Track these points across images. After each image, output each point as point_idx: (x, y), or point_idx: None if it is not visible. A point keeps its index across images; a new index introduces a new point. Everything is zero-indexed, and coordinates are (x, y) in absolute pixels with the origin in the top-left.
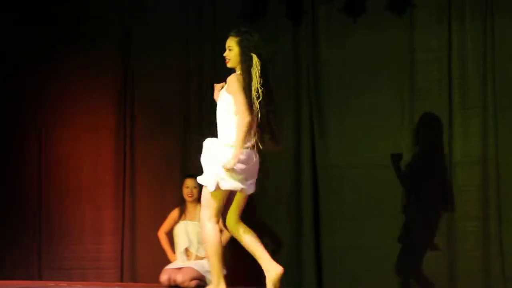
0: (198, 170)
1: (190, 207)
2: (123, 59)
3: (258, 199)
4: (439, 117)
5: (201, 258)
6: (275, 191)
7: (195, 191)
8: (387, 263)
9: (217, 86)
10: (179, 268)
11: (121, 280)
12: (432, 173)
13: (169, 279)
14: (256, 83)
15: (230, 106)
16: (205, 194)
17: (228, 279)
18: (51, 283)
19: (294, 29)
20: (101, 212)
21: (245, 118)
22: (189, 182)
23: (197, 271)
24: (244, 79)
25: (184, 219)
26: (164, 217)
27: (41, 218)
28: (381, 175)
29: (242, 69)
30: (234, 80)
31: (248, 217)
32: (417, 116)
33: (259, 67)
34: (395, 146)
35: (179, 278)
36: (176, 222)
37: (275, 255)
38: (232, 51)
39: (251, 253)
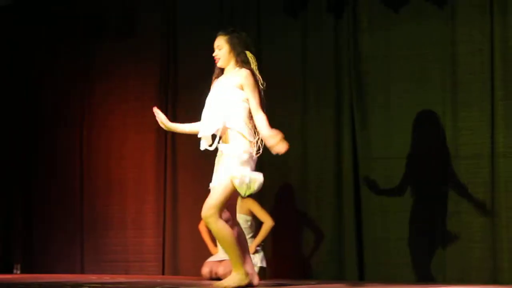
0: None
1: None
2: (163, 52)
3: (299, 191)
4: (481, 109)
5: None
6: (316, 183)
7: None
8: (429, 255)
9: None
10: (221, 261)
11: (163, 273)
12: (475, 164)
13: (210, 272)
14: (259, 79)
15: (239, 98)
16: (219, 192)
17: (268, 271)
18: (94, 276)
19: (335, 21)
20: (143, 205)
21: (263, 113)
22: None
23: None
24: (255, 75)
25: None
26: None
27: (83, 211)
28: (423, 167)
29: (242, 64)
30: (248, 75)
31: (289, 209)
32: (459, 108)
33: (256, 63)
34: (437, 138)
35: (221, 270)
36: None
37: (317, 247)
38: (221, 50)
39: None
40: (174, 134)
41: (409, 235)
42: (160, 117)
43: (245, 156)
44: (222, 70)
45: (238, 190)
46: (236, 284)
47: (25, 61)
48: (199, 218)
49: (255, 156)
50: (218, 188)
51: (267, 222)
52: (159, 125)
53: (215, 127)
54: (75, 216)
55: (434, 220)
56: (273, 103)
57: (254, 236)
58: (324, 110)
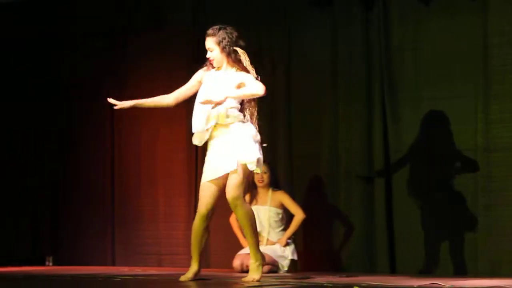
0: (268, 156)
1: (261, 192)
2: (193, 45)
3: (329, 184)
4: None
5: (273, 243)
6: (347, 176)
7: (265, 176)
8: (461, 248)
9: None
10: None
11: None
12: (507, 157)
13: (241, 264)
14: (253, 74)
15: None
16: (240, 173)
17: (299, 264)
18: (126, 269)
19: (365, 14)
20: (174, 198)
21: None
22: None
23: (269, 256)
24: (249, 70)
25: (256, 204)
26: None
27: (114, 204)
28: (453, 160)
29: (236, 63)
30: (245, 73)
31: (319, 202)
32: (491, 101)
33: (247, 58)
34: (468, 131)
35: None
36: None
37: (348, 240)
38: (213, 52)
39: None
40: None
41: (440, 228)
42: (119, 105)
43: (258, 137)
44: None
45: (256, 170)
46: (261, 273)
47: (55, 57)
48: (229, 211)
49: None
50: (239, 170)
51: (298, 215)
52: (189, 118)
53: (210, 123)
54: (107, 208)
55: (465, 213)
56: (304, 98)
57: (284, 229)
58: (354, 104)
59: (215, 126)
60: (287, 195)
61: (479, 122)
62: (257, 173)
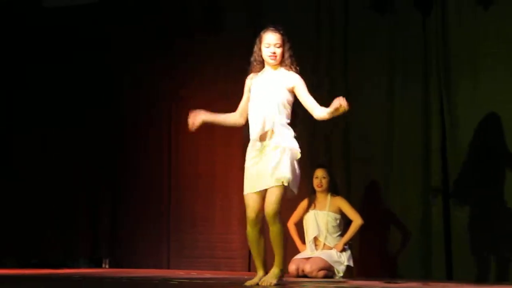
0: (327, 161)
1: (319, 197)
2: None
3: (384, 186)
4: None
5: (330, 248)
6: (402, 180)
7: (324, 181)
8: None
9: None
10: (308, 258)
11: (249, 270)
12: None
13: (297, 269)
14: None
15: (290, 99)
16: (281, 193)
17: (355, 270)
18: (181, 272)
19: (423, 19)
20: (229, 202)
21: None
22: (318, 173)
23: (325, 261)
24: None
25: (314, 208)
26: (293, 207)
27: (170, 207)
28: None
29: (291, 67)
30: (300, 79)
31: (376, 207)
32: None
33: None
34: None
35: (307, 268)
36: (305, 212)
37: (404, 246)
38: (280, 48)
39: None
40: None
41: (498, 235)
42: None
43: (299, 155)
44: (262, 67)
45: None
46: (278, 278)
47: (113, 60)
48: (286, 215)
49: None
50: (279, 188)
51: (356, 221)
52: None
53: (268, 126)
54: (162, 212)
55: None
56: (361, 103)
57: (342, 235)
58: (410, 108)
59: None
60: (346, 201)
61: None
62: (316, 178)
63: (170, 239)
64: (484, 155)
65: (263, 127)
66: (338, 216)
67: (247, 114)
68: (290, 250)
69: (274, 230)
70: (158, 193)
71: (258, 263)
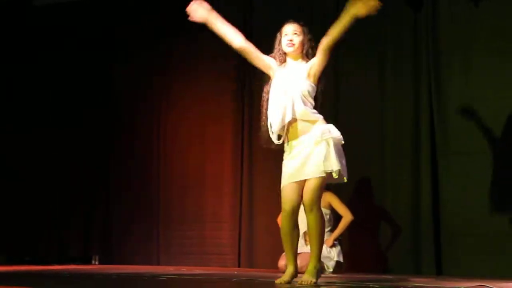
0: None
1: None
2: None
3: (374, 182)
4: None
5: None
6: (392, 176)
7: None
8: (508, 250)
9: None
10: (298, 254)
11: (239, 266)
12: None
13: (286, 265)
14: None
15: (313, 87)
16: (321, 183)
17: (345, 265)
18: (171, 268)
19: (414, 16)
20: (220, 198)
21: None
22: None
23: None
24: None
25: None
26: None
27: (160, 204)
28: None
29: (308, 57)
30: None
31: (366, 203)
32: None
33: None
34: None
35: (298, 263)
36: None
37: (394, 241)
38: (299, 37)
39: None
40: (251, 128)
41: (488, 229)
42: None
43: (342, 141)
44: (283, 60)
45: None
46: (318, 276)
47: (105, 58)
48: (275, 211)
49: None
50: (319, 178)
51: (347, 217)
52: (236, 118)
53: (288, 118)
54: (153, 209)
55: None
56: (351, 99)
57: (332, 230)
58: (401, 105)
59: (294, 123)
60: (336, 197)
61: None
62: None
63: (160, 236)
64: (475, 151)
65: (283, 119)
66: (328, 212)
67: (243, 53)
68: (279, 245)
69: (311, 219)
70: (149, 191)
71: (289, 258)
